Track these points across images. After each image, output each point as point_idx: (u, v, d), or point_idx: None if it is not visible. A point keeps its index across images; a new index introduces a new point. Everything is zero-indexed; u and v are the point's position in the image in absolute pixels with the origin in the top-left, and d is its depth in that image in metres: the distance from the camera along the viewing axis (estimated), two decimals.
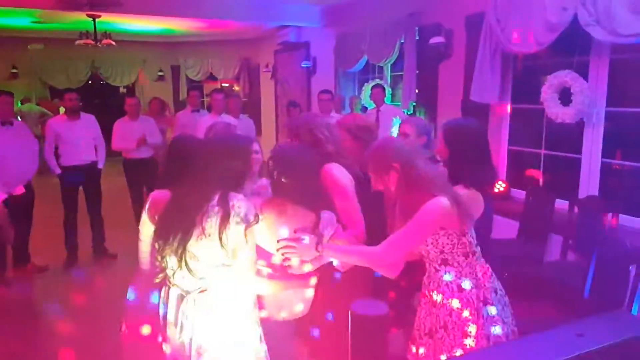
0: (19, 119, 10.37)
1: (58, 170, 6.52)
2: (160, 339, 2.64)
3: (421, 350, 2.70)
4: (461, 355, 2.52)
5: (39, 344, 4.58)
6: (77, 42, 10.58)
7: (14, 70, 13.60)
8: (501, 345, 1.71)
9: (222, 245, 2.32)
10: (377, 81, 8.42)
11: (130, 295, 2.91)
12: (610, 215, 4.60)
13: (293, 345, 3.22)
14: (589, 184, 5.05)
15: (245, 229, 2.36)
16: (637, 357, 1.40)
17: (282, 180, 2.72)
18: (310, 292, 2.84)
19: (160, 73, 15.56)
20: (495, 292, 2.63)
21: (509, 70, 5.83)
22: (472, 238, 2.58)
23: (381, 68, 8.70)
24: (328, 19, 9.69)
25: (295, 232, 2.62)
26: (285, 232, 2.64)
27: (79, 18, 9.63)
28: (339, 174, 2.96)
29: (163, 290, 2.60)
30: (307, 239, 2.57)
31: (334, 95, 8.24)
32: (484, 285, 2.58)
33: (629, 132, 4.97)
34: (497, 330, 2.54)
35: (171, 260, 2.41)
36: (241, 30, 12.67)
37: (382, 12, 7.83)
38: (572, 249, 4.85)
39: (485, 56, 5.65)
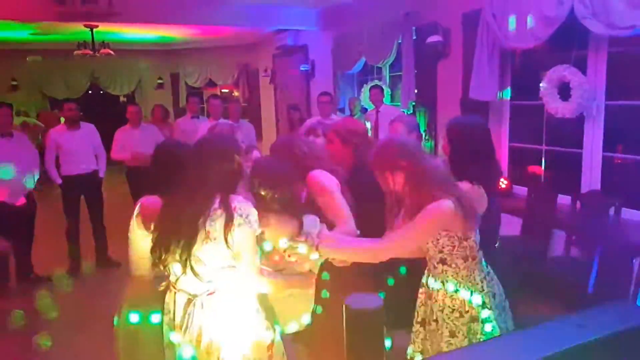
0: None
1: (59, 180, 6.53)
2: (164, 344, 2.64)
3: (414, 337, 2.77)
4: (462, 347, 2.52)
5: (42, 354, 4.56)
6: (76, 52, 10.61)
7: (14, 83, 13.63)
8: (502, 337, 1.70)
9: (228, 247, 2.34)
10: (376, 82, 8.41)
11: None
12: (612, 209, 4.58)
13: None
14: (591, 178, 5.03)
15: (249, 229, 2.39)
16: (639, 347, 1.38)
17: (262, 192, 2.75)
18: (311, 299, 2.89)
19: (159, 81, 15.58)
20: (494, 296, 2.64)
21: (507, 66, 5.82)
22: (475, 243, 2.57)
23: (380, 69, 8.69)
24: (325, 22, 9.69)
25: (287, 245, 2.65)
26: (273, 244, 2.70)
27: (77, 29, 9.67)
28: (323, 178, 3.01)
29: (167, 295, 2.61)
30: (301, 247, 2.60)
31: (333, 98, 8.23)
32: (482, 290, 2.59)
33: (629, 125, 4.95)
34: (488, 335, 2.56)
35: (175, 266, 2.42)
36: (239, 36, 12.68)
37: (379, 13, 7.83)
38: (575, 244, 4.84)
39: (483, 53, 5.64)
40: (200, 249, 2.36)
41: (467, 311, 2.57)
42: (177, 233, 2.36)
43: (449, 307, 2.60)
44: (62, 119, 7.24)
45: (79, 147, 6.57)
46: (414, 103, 7.41)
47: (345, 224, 2.89)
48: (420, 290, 2.78)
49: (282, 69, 12.16)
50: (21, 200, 5.85)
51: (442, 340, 2.60)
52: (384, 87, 8.05)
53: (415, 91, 7.32)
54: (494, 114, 5.98)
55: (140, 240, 2.70)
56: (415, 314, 2.79)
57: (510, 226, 5.21)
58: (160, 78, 15.56)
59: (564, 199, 5.05)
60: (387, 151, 2.70)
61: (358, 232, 2.93)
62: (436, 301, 2.65)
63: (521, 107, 5.92)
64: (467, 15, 6.09)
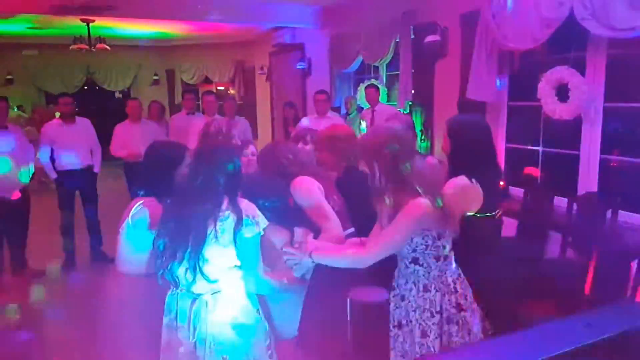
0: None
1: (54, 175, 6.51)
2: (163, 345, 2.68)
3: (393, 342, 2.78)
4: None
5: (35, 349, 4.54)
6: (72, 47, 10.56)
7: (9, 77, 13.58)
8: (510, 336, 1.70)
9: (236, 248, 2.46)
10: (372, 81, 8.39)
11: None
12: (609, 211, 4.57)
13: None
14: (588, 180, 5.02)
15: (256, 230, 2.51)
16: None
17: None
18: None
19: (155, 77, 15.56)
20: (466, 298, 2.68)
21: (505, 67, 5.80)
22: (448, 243, 2.61)
23: (377, 68, 8.67)
24: (322, 20, 9.66)
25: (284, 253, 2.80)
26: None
27: (73, 23, 9.61)
28: (306, 184, 3.10)
29: (169, 295, 2.66)
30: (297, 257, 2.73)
31: (330, 96, 8.22)
32: (455, 291, 2.63)
33: (627, 128, 4.95)
34: (458, 336, 2.61)
35: (181, 267, 2.48)
36: (235, 33, 12.64)
37: (377, 11, 7.81)
38: (571, 247, 4.82)
39: (481, 54, 5.63)
40: (209, 250, 2.43)
41: (439, 311, 2.60)
42: (187, 234, 2.43)
43: (420, 306, 2.63)
44: (57, 114, 7.21)
45: (74, 142, 6.56)
46: (410, 102, 7.40)
47: (331, 228, 2.98)
48: (392, 293, 2.80)
49: (279, 66, 12.14)
50: (16, 195, 5.82)
51: (414, 341, 2.64)
52: (380, 86, 8.03)
53: (412, 91, 7.31)
54: (491, 115, 5.97)
55: (136, 240, 2.77)
56: (391, 318, 2.79)
57: (506, 228, 5.20)
58: (156, 74, 15.54)
59: (560, 201, 5.04)
60: (371, 140, 2.76)
61: (351, 230, 3.07)
62: (409, 302, 2.68)
63: (518, 108, 5.91)
64: (465, 15, 6.08)
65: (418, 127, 7.14)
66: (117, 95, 16.21)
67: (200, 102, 10.00)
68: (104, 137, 7.11)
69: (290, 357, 3.14)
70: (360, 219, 3.09)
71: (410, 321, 2.66)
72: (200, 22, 10.18)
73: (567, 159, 5.29)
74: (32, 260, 6.30)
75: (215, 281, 2.49)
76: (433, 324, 2.59)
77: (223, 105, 8.14)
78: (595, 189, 4.97)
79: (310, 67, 10.62)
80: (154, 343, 2.70)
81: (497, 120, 6.00)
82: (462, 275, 2.72)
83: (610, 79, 4.79)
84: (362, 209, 2.96)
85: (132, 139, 7.03)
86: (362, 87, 8.52)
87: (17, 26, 11.04)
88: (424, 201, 2.46)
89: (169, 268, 2.48)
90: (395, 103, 7.89)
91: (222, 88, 15.76)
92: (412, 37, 7.18)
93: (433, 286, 2.61)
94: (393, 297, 2.78)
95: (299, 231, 2.97)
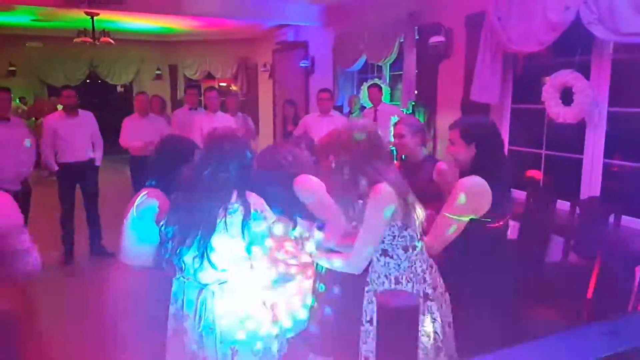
0: None
1: (55, 167, 6.50)
2: (169, 334, 2.73)
3: (364, 337, 2.80)
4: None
5: (33, 341, 4.52)
6: (75, 40, 10.56)
7: (12, 68, 13.56)
8: (528, 344, 1.67)
9: (244, 239, 2.52)
10: (375, 81, 8.37)
11: None
12: (612, 216, 4.56)
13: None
14: (591, 184, 5.01)
15: (264, 223, 2.59)
16: None
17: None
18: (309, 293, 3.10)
19: (158, 72, 15.54)
20: (435, 289, 2.69)
21: (509, 69, 5.79)
22: (415, 233, 2.62)
23: (380, 67, 8.67)
24: (327, 18, 9.64)
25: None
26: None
27: (78, 16, 9.61)
28: (310, 181, 3.15)
29: (176, 281, 2.71)
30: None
31: (333, 94, 8.20)
32: (424, 281, 2.64)
33: (631, 132, 4.94)
34: (429, 327, 2.61)
35: (189, 257, 2.54)
36: (239, 30, 12.65)
37: (382, 11, 7.80)
38: (573, 251, 4.81)
39: (485, 56, 5.62)
40: (217, 241, 2.50)
41: None
42: (197, 225, 2.49)
43: None
44: (59, 106, 7.20)
45: (76, 134, 6.54)
46: (413, 103, 7.39)
47: (335, 221, 3.02)
48: (366, 289, 2.81)
49: (282, 64, 12.13)
50: (17, 186, 5.80)
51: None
52: (383, 85, 8.02)
53: (415, 91, 7.30)
54: (494, 117, 5.95)
55: (141, 231, 2.83)
56: (363, 313, 2.80)
57: (508, 230, 5.18)
58: (158, 69, 15.52)
59: (562, 205, 5.03)
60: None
61: (352, 224, 3.04)
62: None
63: (522, 111, 5.90)
64: (470, 17, 6.07)
65: None
66: (119, 89, 16.20)
67: (202, 98, 10.00)
68: (106, 131, 7.10)
69: (300, 348, 3.16)
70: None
71: None
72: (204, 18, 10.18)
73: (570, 163, 5.28)
74: None
75: (222, 270, 2.54)
76: None
77: (226, 102, 8.13)
78: (598, 193, 4.96)
79: (314, 65, 10.62)
80: (158, 335, 2.73)
81: (500, 123, 5.99)
82: (434, 266, 2.74)
83: (614, 84, 4.78)
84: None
85: (140, 132, 7.04)
86: (365, 87, 8.50)
87: (21, 18, 11.05)
88: (383, 185, 2.50)
89: (177, 252, 2.53)
90: (398, 103, 7.88)
91: (224, 84, 15.74)
92: (417, 37, 7.17)
93: (404, 277, 2.63)
94: (367, 292, 2.80)
95: (303, 223, 3.03)
